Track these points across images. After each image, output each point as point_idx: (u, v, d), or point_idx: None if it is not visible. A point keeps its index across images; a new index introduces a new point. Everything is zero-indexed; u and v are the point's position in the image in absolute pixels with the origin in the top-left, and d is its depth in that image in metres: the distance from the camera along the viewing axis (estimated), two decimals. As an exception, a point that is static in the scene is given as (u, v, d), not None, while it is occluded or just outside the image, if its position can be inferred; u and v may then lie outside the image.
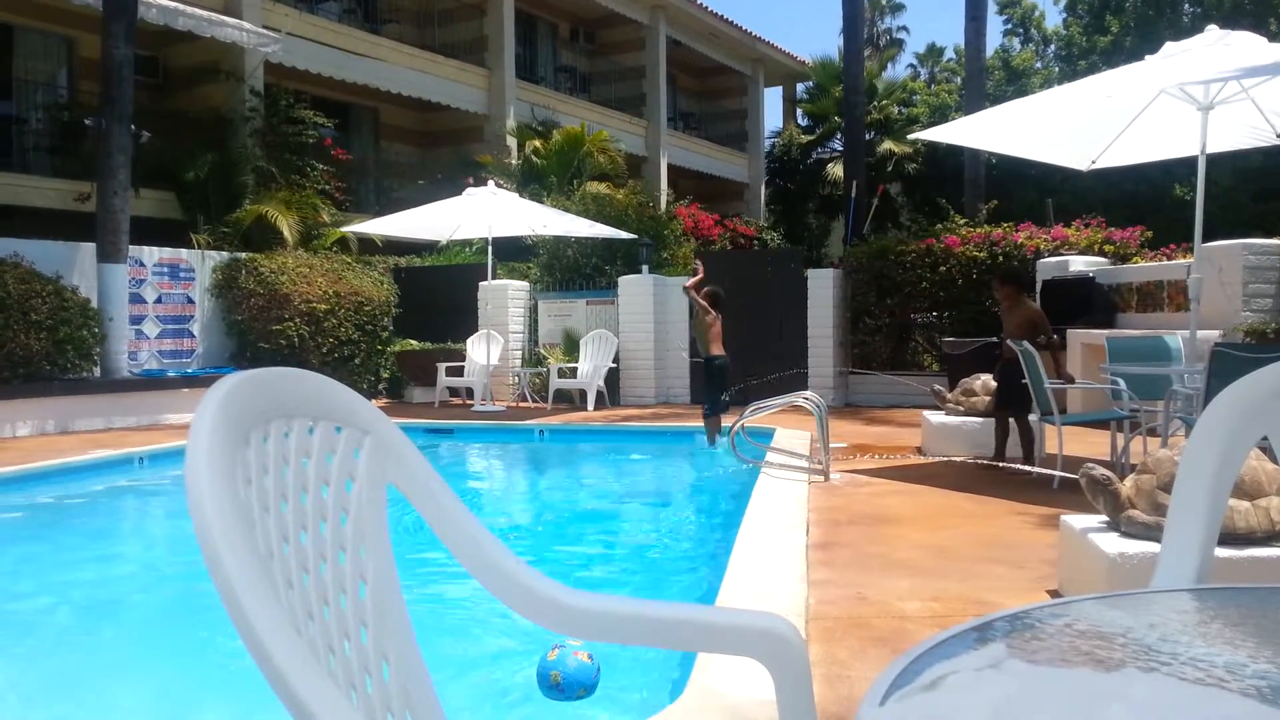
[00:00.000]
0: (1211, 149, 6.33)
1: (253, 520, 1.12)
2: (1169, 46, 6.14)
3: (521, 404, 12.97)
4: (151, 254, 12.51)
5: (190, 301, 13.01)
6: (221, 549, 0.98)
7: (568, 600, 1.44)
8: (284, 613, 1.04)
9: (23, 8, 14.68)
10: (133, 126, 11.49)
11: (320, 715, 0.94)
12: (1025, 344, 6.62)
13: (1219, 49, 5.84)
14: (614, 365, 12.69)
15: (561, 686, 2.92)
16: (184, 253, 13.06)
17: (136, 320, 12.12)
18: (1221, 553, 3.16)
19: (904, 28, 50.77)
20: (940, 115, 26.82)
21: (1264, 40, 5.89)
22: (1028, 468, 6.81)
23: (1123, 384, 6.53)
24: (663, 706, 2.79)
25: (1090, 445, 7.29)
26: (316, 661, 1.08)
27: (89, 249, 11.29)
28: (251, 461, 1.16)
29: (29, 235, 11.13)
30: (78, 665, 3.89)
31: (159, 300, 12.62)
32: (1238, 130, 6.73)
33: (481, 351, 12.69)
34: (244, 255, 13.35)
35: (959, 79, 29.24)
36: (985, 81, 21.34)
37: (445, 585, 4.48)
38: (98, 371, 10.94)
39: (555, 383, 12.46)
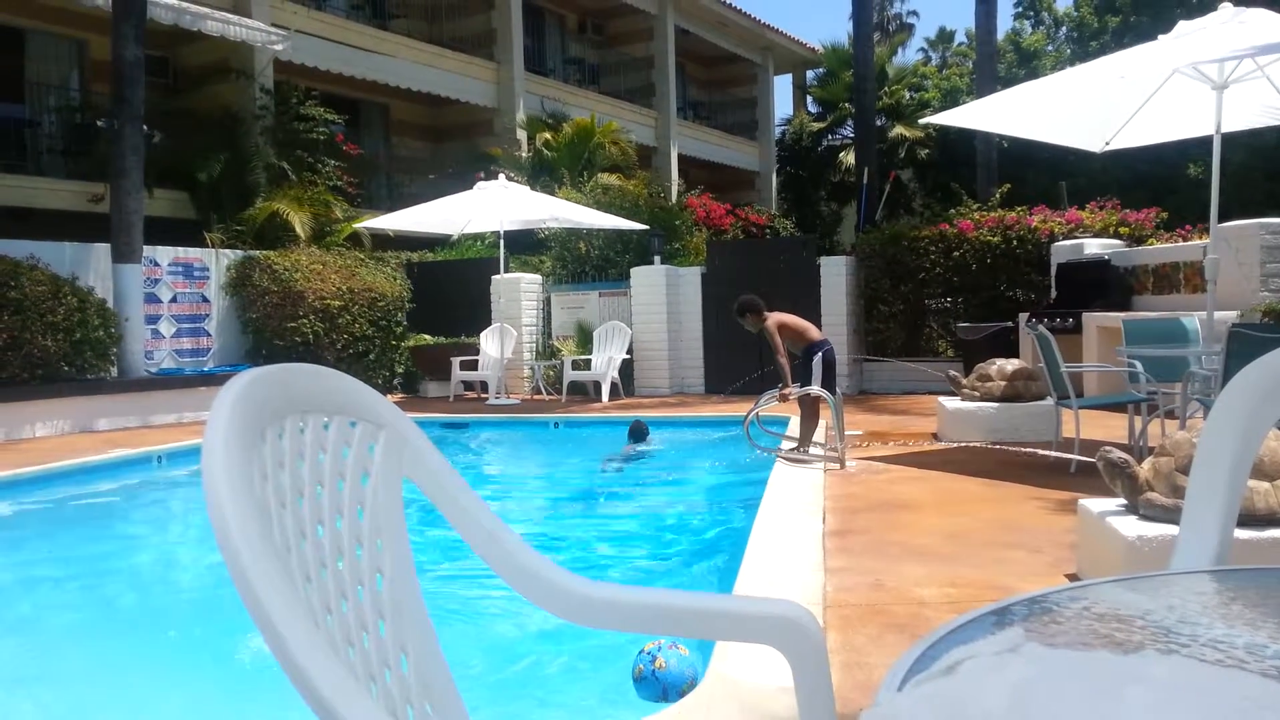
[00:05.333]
0: (1227, 128, 6.28)
1: (270, 516, 1.12)
2: (1182, 25, 6.08)
3: (536, 397, 12.99)
4: (166, 254, 12.57)
5: (205, 300, 13.07)
6: (239, 545, 0.99)
7: (584, 590, 1.44)
8: (303, 607, 1.05)
9: (33, 11, 14.75)
10: (144, 127, 11.54)
11: (340, 708, 0.95)
12: (1040, 328, 6.61)
13: (1233, 27, 5.78)
14: (628, 356, 12.69)
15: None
16: (198, 252, 13.12)
17: (152, 320, 12.18)
18: (1241, 534, 3.14)
19: (914, 12, 50.56)
20: (951, 99, 26.67)
21: (1278, 17, 5.83)
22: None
23: (1140, 366, 6.48)
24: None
25: (1108, 429, 7.25)
26: (336, 655, 1.09)
27: (104, 250, 11.35)
28: (267, 457, 1.16)
29: (44, 237, 11.19)
30: (102, 661, 3.92)
31: (174, 299, 12.68)
32: (1253, 108, 6.67)
33: (495, 345, 12.71)
34: (257, 253, 13.40)
35: (970, 62, 29.05)
36: (996, 65, 21.22)
37: (462, 577, 4.50)
38: (115, 371, 11.01)
39: (569, 375, 12.47)
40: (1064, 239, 11.70)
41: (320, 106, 16.41)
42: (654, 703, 2.85)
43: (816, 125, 29.40)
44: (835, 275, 12.42)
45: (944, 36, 39.67)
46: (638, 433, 8.81)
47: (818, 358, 7.21)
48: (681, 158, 25.66)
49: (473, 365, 13.00)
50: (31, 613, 4.71)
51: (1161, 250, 10.42)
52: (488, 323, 13.43)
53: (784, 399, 7.17)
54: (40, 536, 6.42)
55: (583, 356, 12.77)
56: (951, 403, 7.92)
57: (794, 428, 8.23)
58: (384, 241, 15.58)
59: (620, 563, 5.30)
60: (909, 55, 38.17)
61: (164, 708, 3.41)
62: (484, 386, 13.04)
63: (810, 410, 7.31)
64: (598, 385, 12.33)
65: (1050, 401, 6.80)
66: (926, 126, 24.36)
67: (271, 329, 12.85)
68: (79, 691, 3.63)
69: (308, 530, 1.19)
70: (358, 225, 14.63)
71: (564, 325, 13.80)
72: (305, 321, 12.74)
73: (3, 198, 13.58)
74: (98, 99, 14.98)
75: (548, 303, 14.06)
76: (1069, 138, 7.45)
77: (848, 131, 27.90)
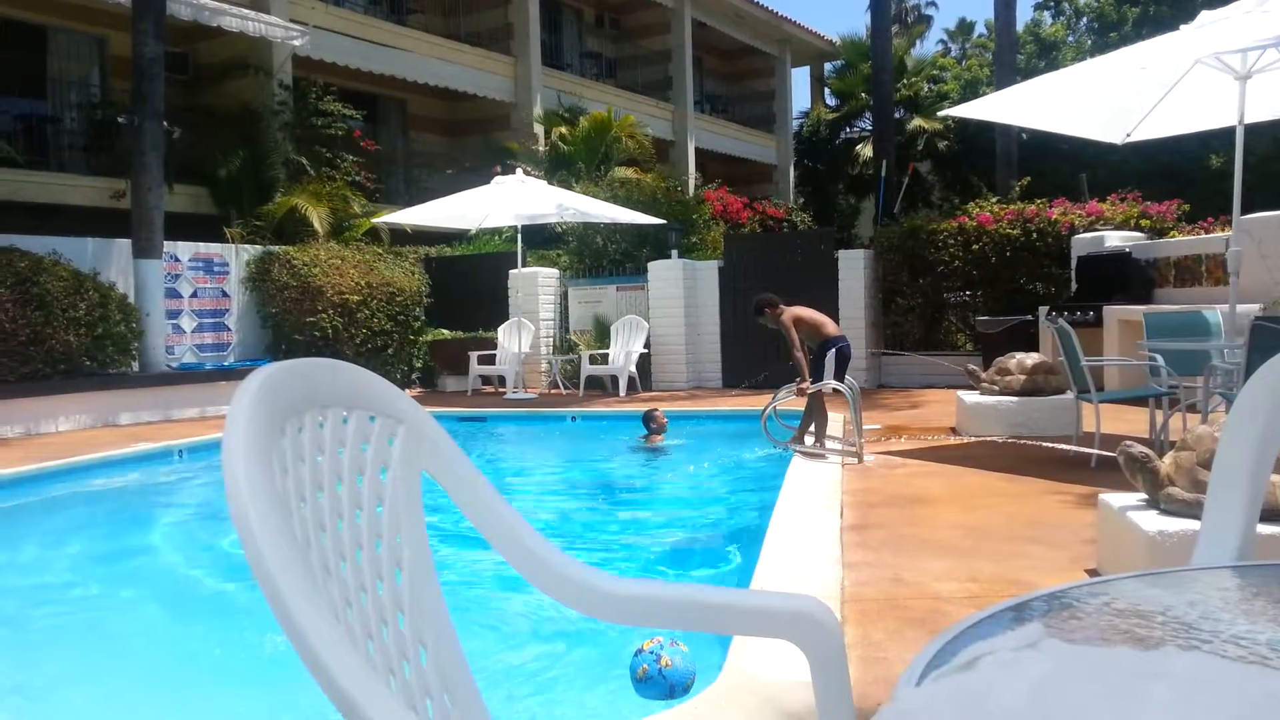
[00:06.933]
0: (1250, 119, 6.20)
1: (290, 509, 1.13)
2: (1204, 15, 6.01)
3: (553, 391, 13.01)
4: (186, 249, 12.66)
5: (225, 295, 13.15)
6: (259, 539, 1.00)
7: (601, 585, 1.44)
8: (322, 600, 1.06)
9: (54, 8, 14.86)
10: (164, 123, 11.61)
11: (359, 701, 0.96)
12: (1061, 321, 6.57)
13: (1256, 16, 5.70)
14: (645, 350, 12.69)
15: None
16: (218, 247, 13.20)
17: (173, 315, 12.27)
18: (1263, 529, 3.11)
19: (932, 3, 49.98)
20: (971, 91, 26.50)
21: (1303, 6, 5.75)
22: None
23: (1161, 360, 6.43)
24: (699, 689, 2.80)
25: (1128, 423, 7.19)
26: (355, 648, 1.09)
27: (125, 245, 11.45)
28: (287, 451, 1.17)
29: (67, 233, 11.29)
30: (121, 657, 3.95)
31: (195, 294, 12.77)
32: (1277, 99, 6.58)
33: (513, 339, 12.73)
34: (277, 248, 13.47)
35: (990, 54, 28.86)
36: (1016, 56, 21.07)
37: (481, 571, 4.51)
38: (136, 366, 11.10)
39: (586, 369, 12.48)
40: (1084, 231, 11.61)
41: (338, 102, 16.49)
42: (658, 701, 2.85)
43: (834, 118, 29.29)
44: (853, 269, 12.37)
45: (963, 28, 39.37)
46: (649, 423, 8.82)
47: (831, 353, 7.20)
48: (699, 151, 25.61)
49: (490, 360, 13.04)
50: (51, 606, 4.75)
51: (1183, 243, 10.33)
52: (505, 317, 13.46)
53: (801, 393, 7.15)
54: (63, 530, 6.48)
55: (600, 351, 12.78)
56: (970, 397, 7.88)
57: (812, 422, 8.21)
58: (402, 236, 15.63)
59: (636, 557, 5.30)
60: (928, 47, 37.98)
61: (182, 702, 3.44)
62: (502, 381, 13.07)
63: (816, 404, 7.27)
64: (615, 379, 12.33)
65: (1070, 395, 6.75)
66: (945, 119, 24.26)
67: (291, 324, 12.92)
68: (94, 687, 3.66)
69: (327, 524, 1.20)
70: (376, 220, 14.70)
71: (581, 319, 13.82)
72: (324, 316, 12.81)
73: (26, 194, 13.71)
74: (118, 95, 15.08)
75: (565, 297, 14.08)
76: (1089, 130, 7.38)
77: (866, 124, 27.78)
